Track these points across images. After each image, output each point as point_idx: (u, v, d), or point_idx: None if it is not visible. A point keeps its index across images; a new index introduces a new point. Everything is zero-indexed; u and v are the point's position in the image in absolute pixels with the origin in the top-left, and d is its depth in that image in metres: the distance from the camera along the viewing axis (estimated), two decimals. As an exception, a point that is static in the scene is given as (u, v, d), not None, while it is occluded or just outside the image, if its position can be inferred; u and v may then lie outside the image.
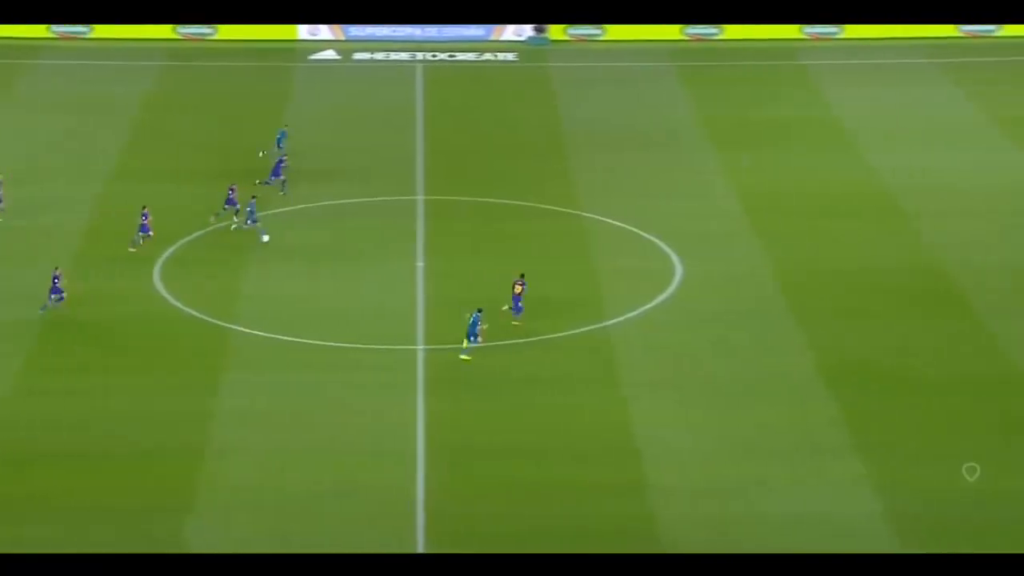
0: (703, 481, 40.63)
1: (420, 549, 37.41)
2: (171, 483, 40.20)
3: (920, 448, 42.15)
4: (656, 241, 55.77)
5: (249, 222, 55.53)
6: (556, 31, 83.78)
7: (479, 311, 47.17)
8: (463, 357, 46.83)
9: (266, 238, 55.10)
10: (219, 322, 49.29)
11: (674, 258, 54.40)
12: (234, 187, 56.66)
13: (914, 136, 67.94)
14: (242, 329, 48.88)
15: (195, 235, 56.08)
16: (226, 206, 56.36)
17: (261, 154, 62.45)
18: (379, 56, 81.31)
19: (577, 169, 63.74)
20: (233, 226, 56.01)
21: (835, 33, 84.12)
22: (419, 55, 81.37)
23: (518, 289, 48.94)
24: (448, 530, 38.24)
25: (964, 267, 53.55)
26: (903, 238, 56.51)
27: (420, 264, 54.03)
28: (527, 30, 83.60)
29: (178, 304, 50.23)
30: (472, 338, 46.89)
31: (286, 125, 65.22)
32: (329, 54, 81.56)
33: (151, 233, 54.37)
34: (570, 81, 76.94)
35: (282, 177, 60.52)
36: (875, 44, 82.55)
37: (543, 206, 59.42)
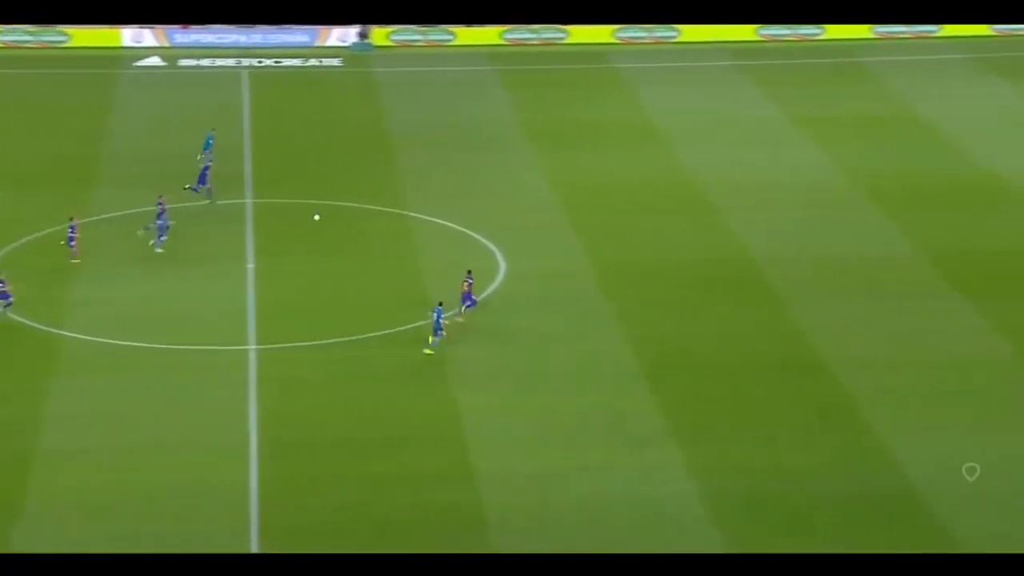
0: (527, 468, 41.73)
1: (255, 543, 38.02)
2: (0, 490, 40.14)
3: (732, 431, 43.67)
4: (480, 239, 56.92)
5: (158, 227, 55.21)
6: (380, 36, 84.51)
7: (440, 305, 47.91)
8: (427, 351, 47.52)
9: (160, 250, 54.91)
10: (49, 328, 49.23)
11: (498, 254, 55.58)
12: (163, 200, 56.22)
13: (720, 134, 69.89)
14: (72, 335, 48.90)
15: (22, 241, 55.95)
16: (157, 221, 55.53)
17: (199, 158, 61.99)
18: (205, 62, 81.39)
19: (403, 170, 64.60)
20: (140, 232, 55.85)
21: (643, 37, 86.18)
22: (245, 61, 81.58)
23: (465, 287, 49.69)
24: (282, 524, 38.81)
25: (770, 258, 55.41)
26: (713, 231, 58.30)
27: (251, 266, 54.50)
28: (352, 36, 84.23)
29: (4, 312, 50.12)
30: (438, 332, 47.59)
31: (213, 129, 64.96)
32: (154, 61, 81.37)
33: None
34: (394, 84, 77.82)
35: (207, 185, 59.85)
36: (683, 47, 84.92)
37: (370, 207, 60.19)
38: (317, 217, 57.95)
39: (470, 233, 57.34)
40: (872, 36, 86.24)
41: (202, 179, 60.09)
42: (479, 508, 39.72)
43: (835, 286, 53.37)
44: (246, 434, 43.06)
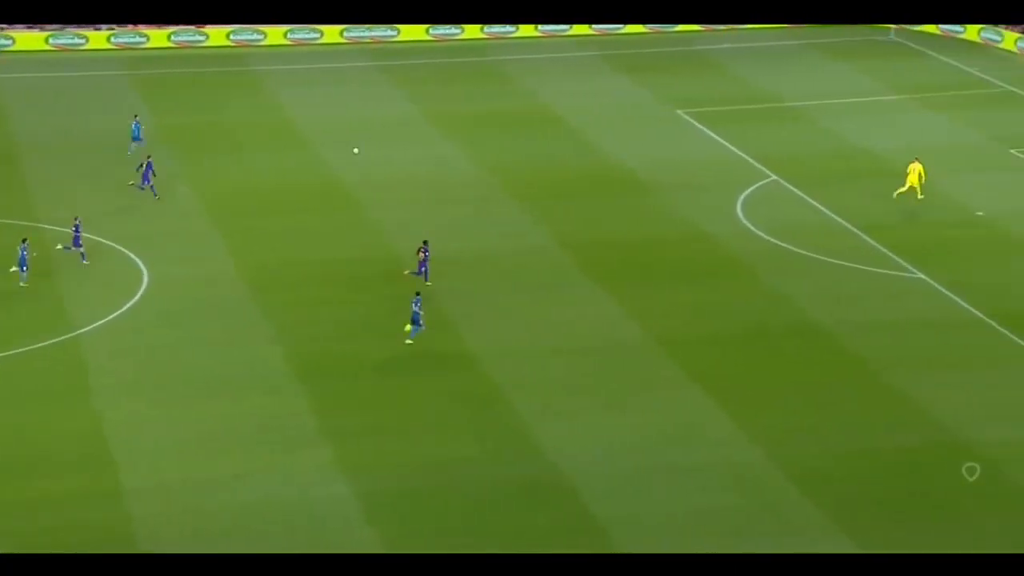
0: (179, 478, 40.24)
1: None
2: None
3: (383, 428, 43.14)
4: (120, 248, 54.95)
5: (73, 247, 52.27)
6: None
7: (418, 295, 47.71)
8: (408, 342, 47.33)
9: (86, 261, 52.60)
10: None
11: (140, 263, 53.75)
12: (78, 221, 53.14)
13: (362, 133, 69.22)
14: None
15: None
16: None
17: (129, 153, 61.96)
18: None
19: (33, 180, 61.96)
20: (59, 246, 53.25)
21: (316, 38, 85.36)
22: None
23: (420, 256, 51.65)
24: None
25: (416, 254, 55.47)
26: (360, 230, 57.68)
27: None
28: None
29: None
30: (417, 324, 47.23)
31: (136, 116, 64.52)
32: None
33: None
34: (19, 91, 74.69)
35: (150, 183, 59.04)
36: (320, 50, 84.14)
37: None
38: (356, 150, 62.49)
39: (110, 243, 55.29)
40: (509, 36, 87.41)
41: (146, 177, 59.12)
42: (128, 523, 38.10)
43: (478, 279, 53.50)
44: None
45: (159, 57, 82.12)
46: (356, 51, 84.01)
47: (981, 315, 50.49)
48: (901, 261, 55.08)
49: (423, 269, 52.14)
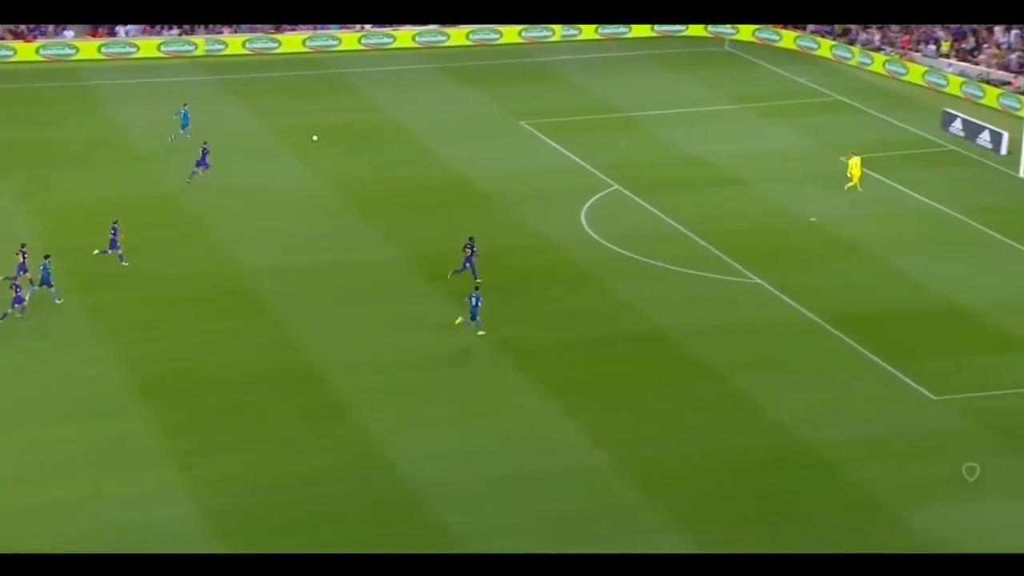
0: (16, 506, 38.89)
1: None
2: None
3: (230, 446, 42.37)
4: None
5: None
6: None
7: (476, 290, 49.31)
8: (480, 333, 48.51)
9: (125, 263, 51.65)
10: None
11: (-24, 283, 52.33)
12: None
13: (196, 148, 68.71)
14: None
15: None
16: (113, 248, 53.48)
17: (171, 138, 64.69)
18: None
19: None
20: (96, 251, 53.90)
21: (124, 53, 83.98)
22: None
23: (467, 252, 52.20)
24: None
25: (259, 269, 54.40)
26: (200, 245, 56.61)
27: None
28: None
29: None
30: (476, 319, 48.47)
31: (185, 104, 67.28)
32: None
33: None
34: None
35: (208, 165, 61.87)
36: (155, 63, 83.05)
37: None
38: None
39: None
40: (357, 47, 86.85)
41: (203, 161, 62.06)
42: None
43: (323, 292, 52.94)
44: None
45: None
46: (195, 65, 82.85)
47: (816, 318, 51.24)
48: (739, 267, 55.72)
49: (466, 266, 52.30)
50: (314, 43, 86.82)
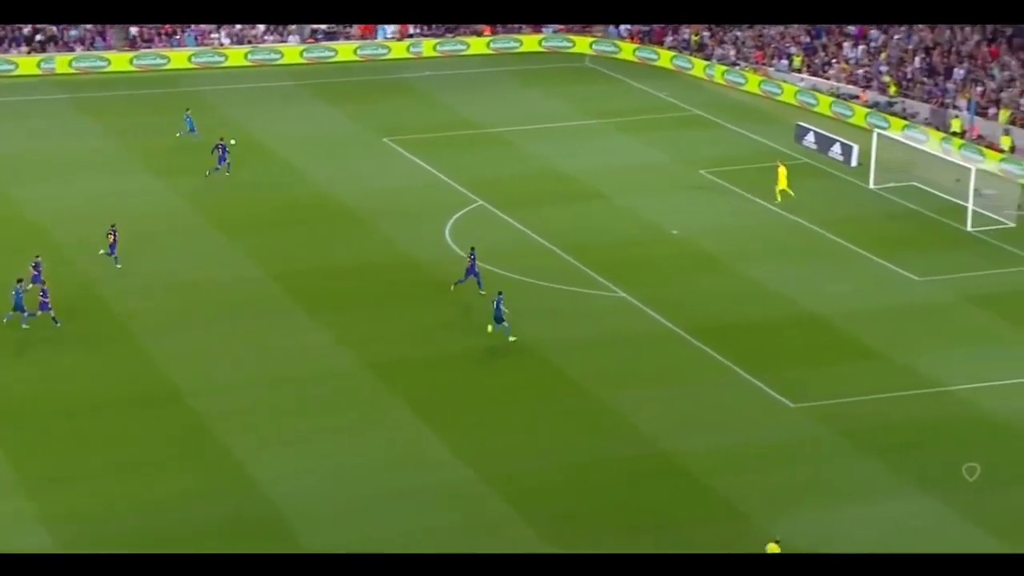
0: None
1: None
2: None
3: (86, 473, 41.39)
4: None
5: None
6: None
7: (500, 294, 49.93)
8: (511, 339, 49.21)
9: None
10: None
11: None
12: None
13: (54, 167, 67.36)
14: None
15: None
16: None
17: (179, 134, 67.95)
18: None
19: None
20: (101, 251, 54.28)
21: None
22: None
23: (469, 262, 53.22)
24: None
25: (119, 290, 53.57)
26: (61, 267, 55.06)
27: None
28: None
29: None
30: (502, 321, 49.10)
31: (187, 109, 69.79)
32: None
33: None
34: None
35: (228, 160, 65.16)
36: (12, 82, 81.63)
37: None
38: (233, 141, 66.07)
39: None
40: (193, 66, 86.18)
41: (223, 158, 65.21)
42: None
43: (185, 312, 52.18)
44: None
45: None
46: (48, 84, 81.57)
47: (678, 330, 51.74)
48: (603, 280, 56.10)
49: (469, 276, 53.00)
50: (200, 59, 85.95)
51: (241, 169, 68.16)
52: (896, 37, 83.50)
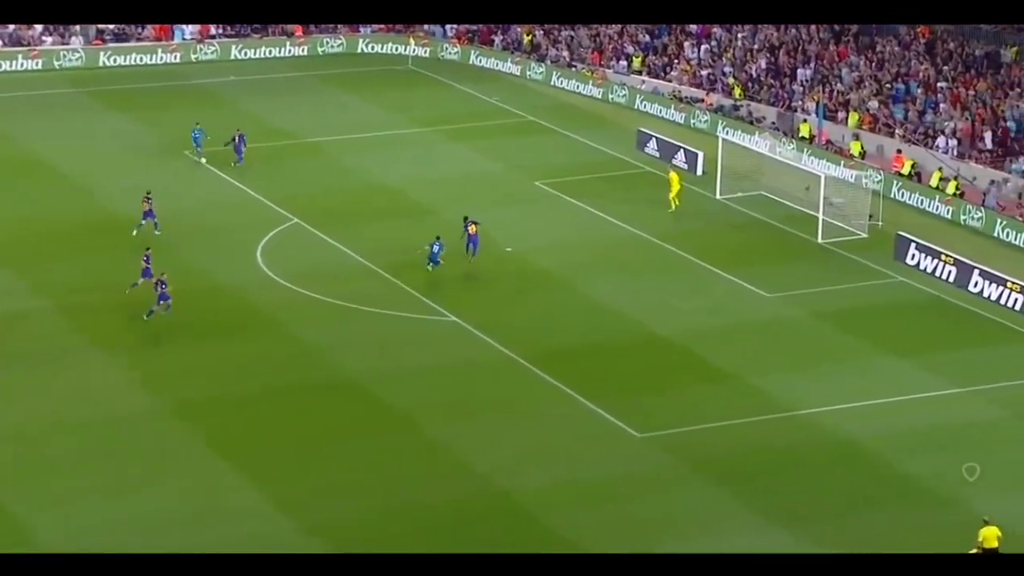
0: None
1: None
2: None
3: None
4: None
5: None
6: None
7: (438, 239, 56.90)
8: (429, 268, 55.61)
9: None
10: None
11: None
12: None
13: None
14: None
15: None
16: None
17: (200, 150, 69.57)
18: None
19: None
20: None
21: None
22: None
23: (472, 229, 58.05)
24: None
25: None
26: None
27: None
28: None
29: None
30: (436, 261, 55.99)
31: (197, 123, 70.51)
32: None
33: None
34: None
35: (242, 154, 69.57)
36: None
37: None
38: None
39: None
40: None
41: (239, 150, 69.88)
42: None
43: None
44: None
45: None
46: None
47: (515, 355, 52.03)
48: (432, 304, 56.22)
49: (470, 247, 58.53)
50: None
51: (16, 187, 66.66)
52: (740, 36, 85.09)
